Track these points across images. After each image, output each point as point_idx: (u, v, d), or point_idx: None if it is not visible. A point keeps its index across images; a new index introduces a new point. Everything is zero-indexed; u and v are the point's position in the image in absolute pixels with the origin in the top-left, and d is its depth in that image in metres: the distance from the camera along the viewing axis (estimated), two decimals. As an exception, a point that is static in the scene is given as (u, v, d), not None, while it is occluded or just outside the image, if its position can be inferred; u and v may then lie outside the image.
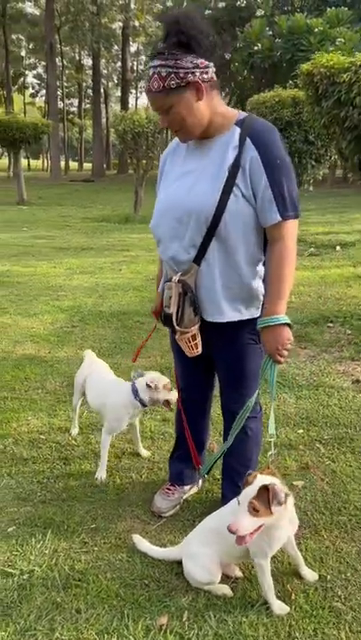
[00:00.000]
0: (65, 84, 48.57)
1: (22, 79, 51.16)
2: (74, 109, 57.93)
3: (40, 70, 51.35)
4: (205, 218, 1.81)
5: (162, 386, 2.40)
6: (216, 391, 2.29)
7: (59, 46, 38.19)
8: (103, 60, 42.41)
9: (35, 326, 4.82)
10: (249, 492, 1.66)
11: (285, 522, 1.77)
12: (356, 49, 12.52)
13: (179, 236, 1.89)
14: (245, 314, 1.96)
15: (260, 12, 21.57)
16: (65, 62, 45.87)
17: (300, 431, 2.99)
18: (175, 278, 1.93)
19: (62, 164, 39.87)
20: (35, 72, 53.60)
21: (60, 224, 12.39)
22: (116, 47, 41.48)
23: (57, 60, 35.98)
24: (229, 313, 1.94)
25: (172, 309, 1.93)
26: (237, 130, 1.81)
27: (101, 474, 2.55)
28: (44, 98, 50.15)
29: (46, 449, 2.81)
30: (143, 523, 2.26)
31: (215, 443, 2.81)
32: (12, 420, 3.11)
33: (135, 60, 46.51)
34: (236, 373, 2.07)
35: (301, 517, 2.20)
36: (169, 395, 2.40)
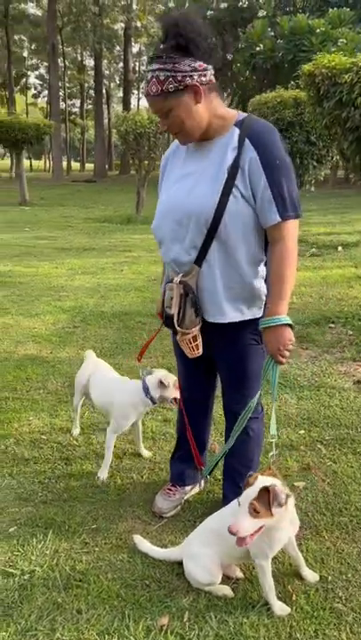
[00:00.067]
0: (67, 84, 48.64)
1: (24, 80, 51.28)
2: (76, 110, 58.05)
3: (42, 71, 51.40)
4: (205, 219, 1.82)
5: (172, 383, 2.41)
6: (218, 391, 2.29)
7: (61, 47, 38.25)
8: (105, 61, 42.45)
9: (36, 326, 4.83)
10: (250, 493, 1.66)
11: (286, 523, 1.77)
12: (358, 49, 12.54)
13: (179, 237, 1.90)
14: (247, 314, 1.96)
15: (262, 13, 21.61)
16: (67, 63, 45.94)
17: (302, 432, 2.99)
18: (177, 279, 1.93)
19: (64, 164, 39.88)
20: (37, 73, 53.70)
21: (62, 224, 12.41)
22: (118, 48, 41.54)
23: (59, 60, 36.04)
24: (231, 313, 1.94)
25: (174, 310, 1.93)
26: (237, 131, 1.81)
27: (103, 474, 2.55)
28: (46, 98, 50.24)
29: (47, 449, 2.82)
30: (144, 523, 2.27)
31: (216, 443, 2.81)
32: (14, 420, 3.11)
33: (137, 60, 46.58)
34: (238, 374, 2.07)
35: (302, 518, 2.20)
36: (176, 392, 2.41)
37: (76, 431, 2.97)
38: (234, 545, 1.69)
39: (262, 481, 1.67)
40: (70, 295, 5.93)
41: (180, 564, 1.96)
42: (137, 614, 1.80)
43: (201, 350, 2.01)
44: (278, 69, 19.65)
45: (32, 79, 56.14)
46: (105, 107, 43.80)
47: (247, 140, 1.78)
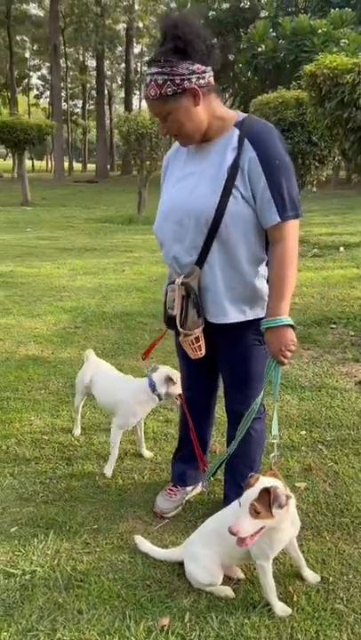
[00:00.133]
0: (69, 85, 48.68)
1: (26, 80, 51.37)
2: (78, 110, 58.07)
3: (44, 72, 51.53)
4: (206, 220, 1.82)
5: (178, 379, 2.42)
6: (220, 392, 2.29)
7: (63, 47, 38.27)
8: (107, 62, 42.51)
9: (38, 327, 4.83)
10: (250, 494, 1.66)
11: (287, 524, 1.77)
12: (359, 50, 12.52)
13: (180, 238, 1.90)
14: (250, 314, 1.96)
15: (263, 14, 21.64)
16: (69, 63, 46.00)
17: (303, 432, 2.99)
18: (178, 281, 1.93)
19: (66, 165, 39.95)
20: (39, 73, 53.83)
21: (63, 225, 12.42)
22: (119, 48, 41.60)
23: (61, 61, 36.07)
24: (233, 314, 1.94)
25: (176, 312, 1.93)
26: (236, 131, 1.81)
27: (109, 470, 2.55)
28: (48, 99, 50.35)
29: (49, 449, 2.82)
30: (145, 523, 2.27)
31: (217, 444, 2.81)
32: (15, 420, 3.11)
33: (139, 61, 46.58)
34: (241, 375, 2.07)
35: (304, 519, 2.20)
36: (180, 388, 2.41)
37: (78, 431, 2.97)
38: (235, 545, 1.69)
39: (263, 482, 1.67)
40: (72, 295, 5.93)
41: (181, 564, 1.96)
42: (138, 615, 1.80)
43: (204, 351, 2.01)
44: (280, 70, 19.66)
45: (34, 80, 56.46)
46: (107, 107, 43.84)
47: (247, 141, 1.78)
